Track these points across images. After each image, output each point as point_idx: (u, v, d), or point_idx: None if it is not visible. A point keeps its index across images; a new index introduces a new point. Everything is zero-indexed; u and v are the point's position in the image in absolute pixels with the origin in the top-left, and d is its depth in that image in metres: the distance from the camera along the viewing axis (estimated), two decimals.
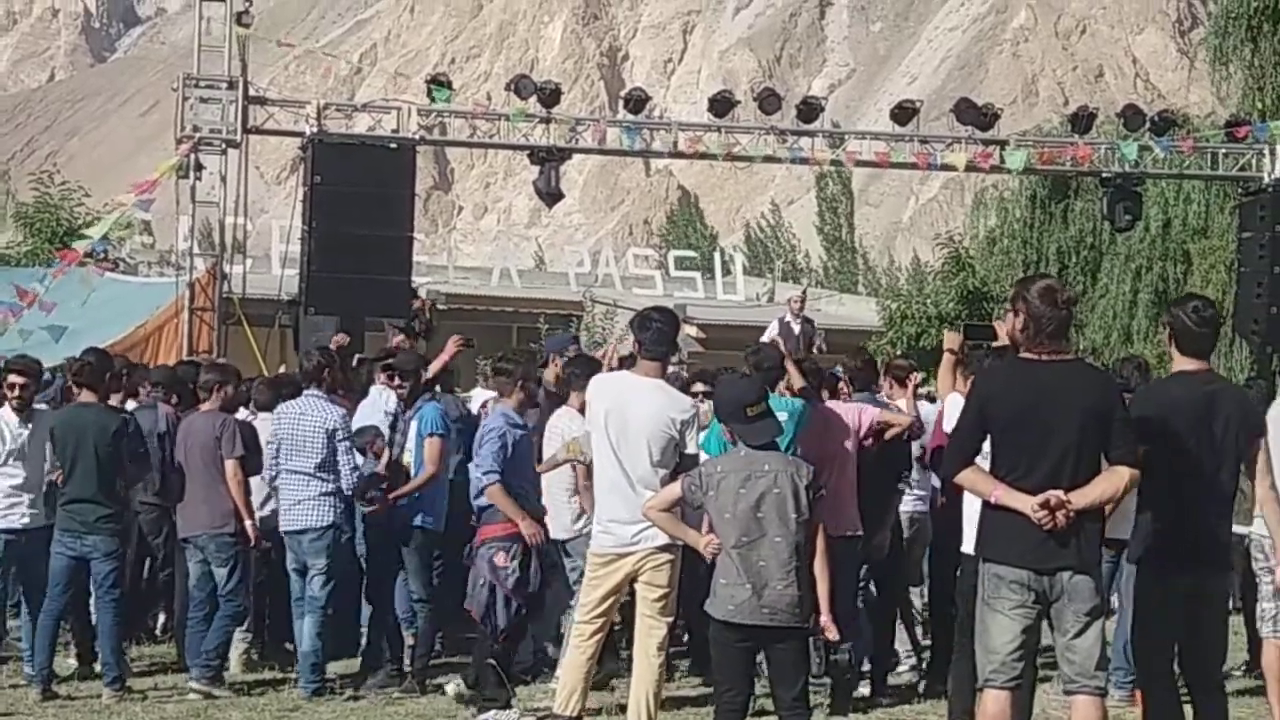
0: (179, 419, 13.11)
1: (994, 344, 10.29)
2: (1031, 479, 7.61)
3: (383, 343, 20.39)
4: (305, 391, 12.26)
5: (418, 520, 12.00)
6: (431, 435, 11.93)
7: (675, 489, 8.63)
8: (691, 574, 9.72)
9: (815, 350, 21.96)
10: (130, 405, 13.47)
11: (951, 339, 10.60)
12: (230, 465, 12.04)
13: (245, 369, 16.33)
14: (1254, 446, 8.19)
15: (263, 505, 12.56)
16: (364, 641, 12.48)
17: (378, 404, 13.33)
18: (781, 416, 9.68)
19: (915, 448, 12.03)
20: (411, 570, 12.10)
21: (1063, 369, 7.72)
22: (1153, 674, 8.25)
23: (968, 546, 9.50)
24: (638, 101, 24.28)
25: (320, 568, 11.87)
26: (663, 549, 9.26)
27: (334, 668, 12.12)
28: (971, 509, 9.46)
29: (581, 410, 11.10)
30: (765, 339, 22.34)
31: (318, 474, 11.87)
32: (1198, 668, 8.25)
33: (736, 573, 8.19)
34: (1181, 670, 8.32)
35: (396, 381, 12.61)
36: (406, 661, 12.20)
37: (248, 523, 12.09)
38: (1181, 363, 8.23)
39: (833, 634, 8.58)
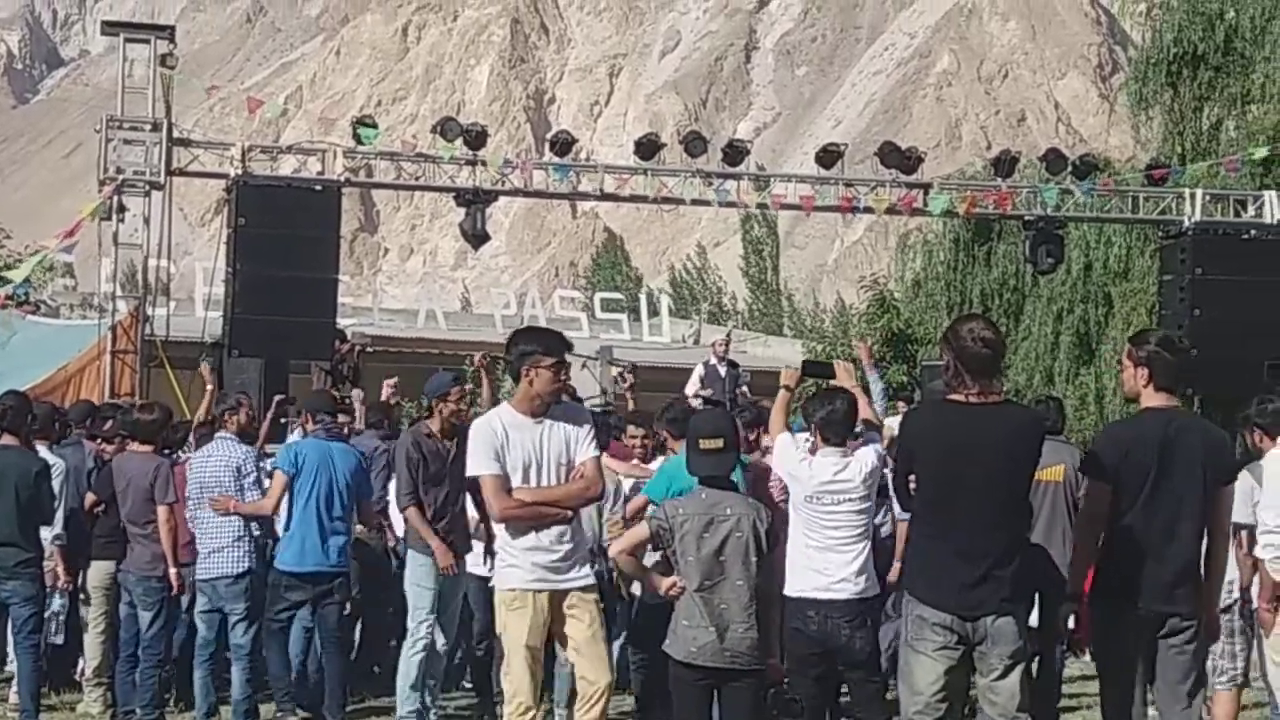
0: (104, 456, 13.06)
1: (832, 382, 10.24)
2: (951, 524, 7.69)
3: (308, 385, 20.36)
4: (217, 434, 12.21)
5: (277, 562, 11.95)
6: (276, 470, 11.86)
7: (642, 530, 8.56)
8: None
9: (741, 393, 21.94)
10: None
11: (788, 376, 10.26)
12: (163, 511, 11.96)
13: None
14: (1221, 495, 8.14)
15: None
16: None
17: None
18: None
19: None
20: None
21: (987, 412, 7.74)
22: (1114, 711, 8.15)
23: (790, 589, 9.43)
24: (564, 144, 24.24)
25: (240, 612, 11.81)
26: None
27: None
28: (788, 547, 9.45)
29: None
30: (691, 385, 22.45)
31: (230, 518, 11.83)
32: (1168, 705, 8.15)
33: (699, 615, 8.23)
34: (1157, 707, 8.26)
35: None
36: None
37: (172, 571, 12.00)
38: (1153, 399, 8.13)
39: (777, 675, 8.64)
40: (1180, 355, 8.22)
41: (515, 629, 8.53)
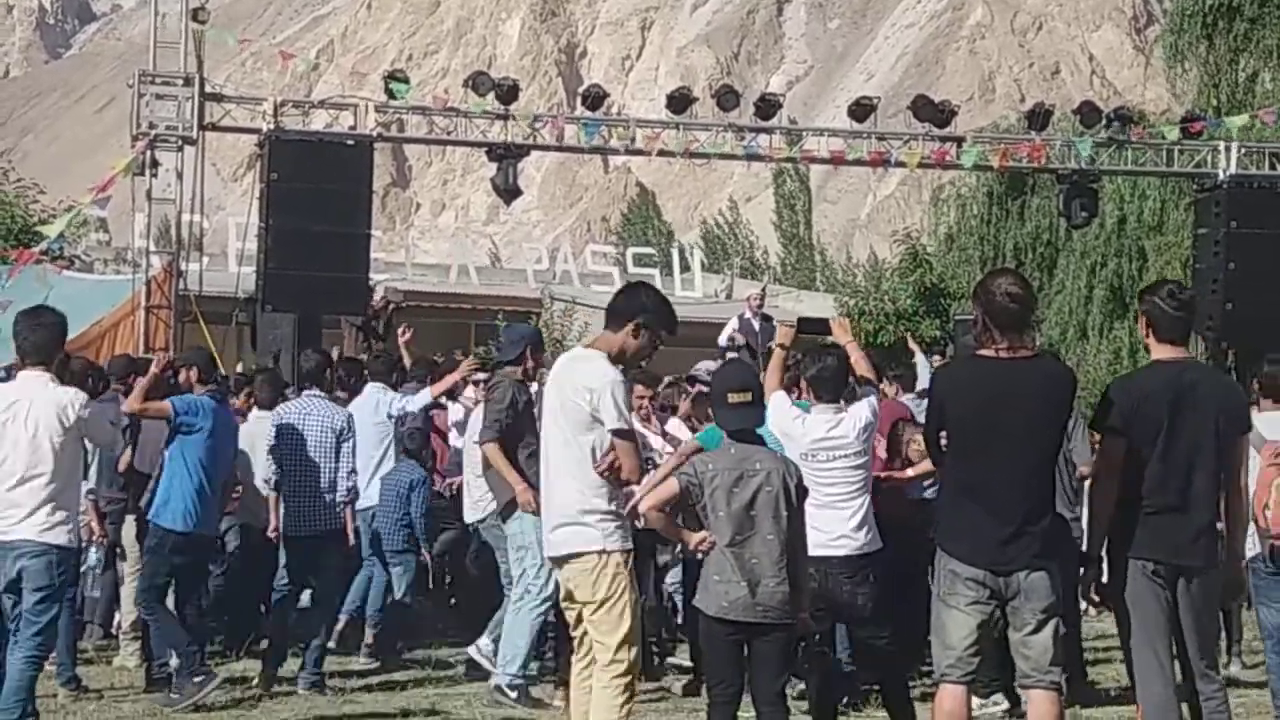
0: None
1: (829, 339, 10.24)
2: (985, 474, 7.68)
3: (339, 340, 20.44)
4: (306, 392, 12.25)
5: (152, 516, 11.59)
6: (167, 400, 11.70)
7: (672, 485, 8.44)
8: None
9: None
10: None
11: (784, 334, 10.11)
12: None
13: None
14: (1236, 445, 8.06)
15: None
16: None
17: (368, 404, 13.51)
18: None
19: None
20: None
21: (1019, 365, 7.72)
22: (1145, 670, 7.99)
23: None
24: (596, 98, 24.23)
25: (337, 565, 11.87)
26: (579, 555, 8.21)
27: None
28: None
29: None
30: (723, 337, 22.45)
31: (318, 473, 11.92)
32: (1189, 658, 8.04)
33: (731, 570, 8.21)
34: (1179, 663, 8.16)
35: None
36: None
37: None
38: (1159, 350, 8.05)
39: (807, 628, 8.60)
40: (1182, 307, 8.07)
41: (630, 588, 8.19)
